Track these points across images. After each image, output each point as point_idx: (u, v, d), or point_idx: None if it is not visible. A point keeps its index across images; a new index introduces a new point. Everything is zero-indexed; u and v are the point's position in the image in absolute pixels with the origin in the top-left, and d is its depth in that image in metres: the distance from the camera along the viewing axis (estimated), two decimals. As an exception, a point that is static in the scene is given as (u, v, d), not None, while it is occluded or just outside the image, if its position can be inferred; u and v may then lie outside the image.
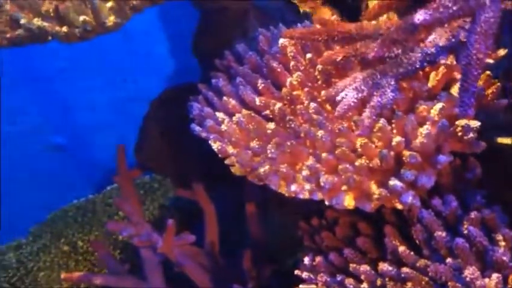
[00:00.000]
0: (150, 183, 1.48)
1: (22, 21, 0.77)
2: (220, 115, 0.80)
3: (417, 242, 0.66)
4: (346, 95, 0.62)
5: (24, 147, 1.56)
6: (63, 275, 0.98)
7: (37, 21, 0.77)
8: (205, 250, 1.00)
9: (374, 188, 0.66)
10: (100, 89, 1.56)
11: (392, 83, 0.60)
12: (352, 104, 0.61)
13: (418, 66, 0.60)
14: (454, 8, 0.51)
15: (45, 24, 0.77)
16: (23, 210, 1.49)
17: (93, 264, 1.22)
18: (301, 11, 0.93)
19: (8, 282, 1.21)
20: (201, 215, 1.10)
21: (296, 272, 0.76)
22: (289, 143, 0.71)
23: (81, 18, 0.77)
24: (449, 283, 0.62)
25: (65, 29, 0.78)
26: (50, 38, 0.79)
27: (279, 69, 0.79)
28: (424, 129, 0.65)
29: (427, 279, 0.63)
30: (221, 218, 1.04)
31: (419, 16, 0.50)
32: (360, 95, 0.61)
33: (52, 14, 0.78)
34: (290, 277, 0.83)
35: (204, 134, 0.81)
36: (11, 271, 1.24)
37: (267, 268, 0.94)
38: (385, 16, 0.73)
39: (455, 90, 0.69)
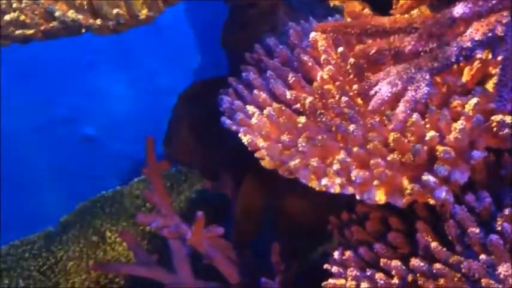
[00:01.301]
0: (177, 175, 1.49)
1: (57, 13, 0.78)
2: (250, 108, 0.80)
3: (450, 238, 0.66)
4: (380, 89, 0.61)
5: (55, 138, 1.59)
6: (91, 266, 1.00)
7: (71, 14, 0.78)
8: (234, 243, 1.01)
9: (406, 183, 0.66)
10: (130, 82, 1.58)
11: (427, 77, 0.59)
12: (386, 98, 0.60)
13: (453, 60, 0.59)
14: (494, 1, 0.50)
15: (80, 16, 0.78)
16: (52, 200, 1.52)
17: (120, 255, 1.24)
18: (331, 4, 0.93)
19: (38, 270, 1.24)
20: (227, 208, 1.10)
21: (325, 266, 0.76)
22: (320, 137, 0.70)
23: (115, 11, 0.78)
24: (482, 280, 0.61)
25: (98, 21, 0.78)
26: (83, 30, 0.80)
27: (309, 63, 0.79)
28: (458, 125, 0.64)
29: (459, 275, 0.63)
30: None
31: (459, 9, 0.50)
32: (394, 89, 0.60)
33: (86, 7, 0.79)
34: (316, 271, 0.83)
35: (234, 127, 0.81)
36: (41, 260, 1.26)
37: (295, 262, 0.94)
38: (417, 10, 0.72)
39: (490, 85, 0.68)
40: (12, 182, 1.61)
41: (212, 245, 0.95)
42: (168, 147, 1.02)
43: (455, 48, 0.58)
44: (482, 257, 0.62)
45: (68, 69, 1.54)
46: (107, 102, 1.63)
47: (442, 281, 0.63)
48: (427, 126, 0.66)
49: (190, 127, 1.02)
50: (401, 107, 0.60)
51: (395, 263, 0.67)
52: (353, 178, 0.67)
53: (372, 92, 0.62)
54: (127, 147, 1.62)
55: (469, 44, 0.58)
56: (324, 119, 0.72)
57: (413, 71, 0.60)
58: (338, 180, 0.69)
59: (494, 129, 0.64)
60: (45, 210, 1.45)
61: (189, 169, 1.51)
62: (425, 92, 0.59)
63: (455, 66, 0.68)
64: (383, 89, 0.61)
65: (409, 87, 0.60)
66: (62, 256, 1.26)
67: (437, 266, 0.63)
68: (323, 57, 0.77)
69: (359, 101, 0.73)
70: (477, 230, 0.64)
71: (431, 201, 0.65)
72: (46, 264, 1.25)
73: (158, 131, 1.10)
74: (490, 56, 0.67)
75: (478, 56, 0.66)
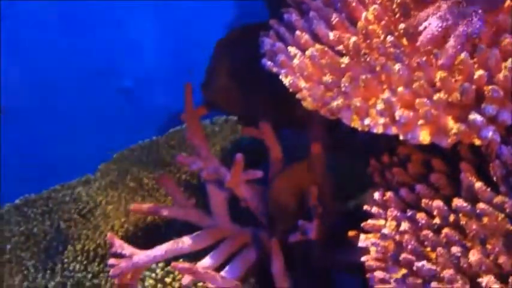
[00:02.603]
0: (211, 127, 1.50)
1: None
2: (292, 50, 0.80)
3: (494, 178, 0.65)
4: (429, 24, 0.60)
5: (94, 90, 1.61)
6: (132, 206, 1.02)
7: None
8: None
9: (452, 123, 0.65)
10: (166, 34, 1.58)
11: (480, 11, 0.58)
12: (436, 33, 0.59)
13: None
14: None
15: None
16: (91, 149, 1.55)
17: (158, 200, 1.26)
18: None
19: (79, 213, 1.27)
20: (263, 158, 1.11)
21: (365, 207, 0.76)
22: (363, 77, 0.70)
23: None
24: (526, 220, 0.61)
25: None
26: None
27: (353, 3, 0.78)
28: (508, 63, 0.62)
29: (503, 215, 0.62)
30: (286, 160, 1.04)
31: None
32: (444, 23, 0.59)
33: None
34: (353, 218, 0.83)
35: (275, 69, 0.81)
36: (81, 204, 1.30)
37: (332, 207, 0.95)
38: None
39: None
40: (53, 132, 1.64)
41: (250, 189, 0.96)
42: (207, 92, 1.03)
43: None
44: (528, 197, 0.61)
45: (104, 20, 1.54)
46: (143, 54, 1.64)
47: (485, 220, 0.62)
48: (476, 66, 0.65)
49: (229, 72, 1.02)
50: (451, 42, 0.59)
51: (438, 202, 0.67)
52: (397, 118, 0.66)
53: (421, 28, 0.61)
54: (163, 99, 1.63)
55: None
56: (368, 59, 0.71)
57: (465, 5, 0.58)
58: (381, 120, 0.68)
59: (546, 68, 0.62)
60: (85, 158, 1.48)
61: (224, 121, 1.53)
62: (477, 26, 0.58)
63: (506, 4, 0.66)
64: (433, 24, 0.59)
65: (460, 22, 0.58)
66: (101, 200, 1.29)
67: (481, 205, 0.63)
68: (368, -4, 0.75)
69: (404, 41, 0.72)
70: (523, 171, 0.63)
71: (477, 142, 0.64)
72: (86, 207, 1.28)
73: (195, 83, 1.10)
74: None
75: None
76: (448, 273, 0.64)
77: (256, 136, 1.00)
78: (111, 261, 0.93)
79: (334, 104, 0.72)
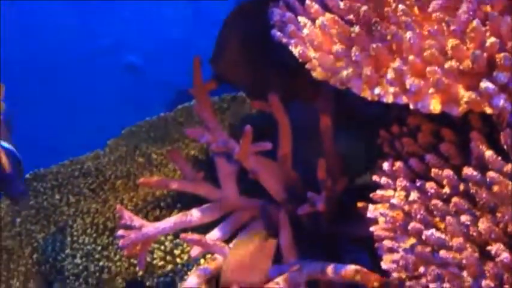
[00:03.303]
0: (219, 103, 1.50)
1: None
2: (302, 20, 0.79)
3: (505, 147, 0.64)
4: (441, -11, 0.59)
5: (102, 66, 1.61)
6: (141, 180, 1.02)
7: None
8: (278, 163, 1.01)
9: (463, 91, 0.64)
10: (174, 10, 1.57)
11: (493, -24, 0.57)
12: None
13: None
14: None
15: None
16: (99, 126, 1.56)
17: (166, 176, 1.26)
18: None
19: (88, 187, 1.28)
20: (271, 134, 1.10)
21: (374, 177, 0.76)
22: (374, 46, 0.69)
23: None
24: (537, 188, 0.60)
25: None
26: None
27: (364, -27, 0.77)
28: (521, 31, 0.62)
29: (513, 184, 0.62)
30: (294, 134, 1.04)
31: None
32: (456, -11, 0.58)
33: None
34: (362, 193, 0.83)
35: (284, 40, 0.81)
36: (90, 178, 1.30)
37: (341, 181, 0.95)
38: None
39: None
40: (62, 109, 1.65)
41: (258, 161, 0.96)
42: (216, 65, 1.02)
43: None
44: (539, 166, 0.61)
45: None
46: (152, 30, 1.64)
47: (495, 188, 0.62)
48: (488, 33, 0.64)
49: (238, 45, 1.01)
50: (463, 7, 0.58)
51: (447, 171, 0.66)
52: (408, 86, 0.66)
53: (433, -7, 0.60)
54: (171, 76, 1.63)
55: None
56: (378, 28, 0.71)
57: (478, -30, 0.57)
58: (392, 89, 0.68)
59: (560, 36, 0.62)
60: (93, 135, 1.49)
61: (232, 98, 1.52)
62: (490, -9, 0.57)
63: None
64: (445, -10, 0.59)
65: (472, -13, 0.58)
66: (110, 175, 1.29)
67: (491, 174, 0.63)
68: (379, -35, 0.74)
69: (416, 10, 0.71)
70: (534, 139, 0.62)
71: (488, 110, 0.63)
72: (95, 182, 1.29)
73: (204, 59, 1.09)
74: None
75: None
76: (457, 241, 0.64)
77: (264, 109, 0.99)
78: (120, 232, 0.94)
79: (344, 73, 0.71)
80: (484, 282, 0.61)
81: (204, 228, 1.01)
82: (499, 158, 0.64)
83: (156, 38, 1.63)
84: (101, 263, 1.10)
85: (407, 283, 0.68)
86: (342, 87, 0.73)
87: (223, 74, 1.03)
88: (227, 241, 0.98)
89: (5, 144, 0.93)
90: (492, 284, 0.61)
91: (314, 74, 0.76)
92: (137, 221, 0.95)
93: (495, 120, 0.66)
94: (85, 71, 1.63)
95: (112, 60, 1.65)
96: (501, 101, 0.62)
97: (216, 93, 1.49)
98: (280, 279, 0.84)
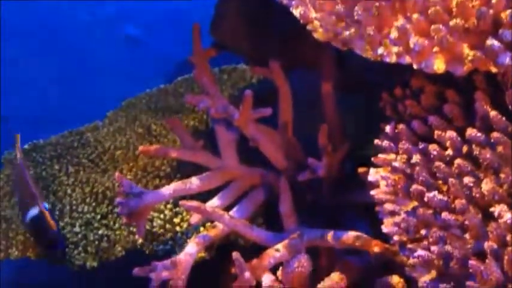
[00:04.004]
0: (219, 74, 1.49)
1: None
2: (303, -20, 0.77)
3: (510, 107, 0.63)
4: None
5: (101, 37, 1.59)
6: (140, 148, 1.01)
7: None
8: (279, 130, 1.00)
9: (467, 50, 0.63)
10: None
11: None
12: (454, -49, 0.56)
13: None
14: None
15: None
16: (99, 97, 1.55)
17: (166, 146, 1.25)
18: None
19: (87, 158, 1.27)
20: (273, 102, 1.09)
21: (376, 141, 0.75)
22: (377, 4, 0.67)
23: None
24: (542, 148, 0.59)
25: None
26: None
27: None
28: (529, -13, 0.60)
29: (518, 144, 0.61)
30: (295, 104, 1.03)
31: None
32: None
33: None
34: (364, 161, 0.82)
35: (285, 1, 0.79)
36: (89, 149, 1.29)
37: (342, 148, 0.94)
38: None
39: None
40: (61, 80, 1.64)
41: (258, 128, 0.95)
42: (216, 32, 1.01)
43: None
44: (544, 125, 0.60)
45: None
46: (149, 2, 1.61)
47: (499, 148, 0.61)
48: (494, -10, 0.62)
49: (238, 11, 0.99)
50: (470, -40, 0.56)
51: (451, 133, 0.65)
52: (411, 46, 0.64)
53: None
54: (171, 48, 1.62)
55: None
56: (382, -13, 0.69)
57: None
58: (395, 49, 0.66)
59: None
60: (92, 106, 1.48)
61: (232, 69, 1.51)
62: None
63: None
64: None
65: None
66: (109, 146, 1.28)
67: (495, 134, 0.61)
68: None
69: (420, -31, 0.69)
70: (540, 99, 0.61)
71: (493, 69, 0.62)
72: (94, 152, 1.28)
73: (203, 30, 1.08)
74: None
75: None
76: (459, 203, 0.63)
77: (265, 74, 0.98)
78: (119, 199, 0.93)
79: (347, 33, 0.70)
80: (486, 244, 0.60)
81: (204, 197, 1.00)
82: (504, 118, 0.62)
83: (156, 9, 1.61)
84: (100, 232, 1.10)
85: (408, 246, 0.67)
86: (344, 48, 0.71)
87: (223, 41, 1.01)
88: (227, 209, 0.97)
89: (46, 204, 1.03)
90: (495, 246, 0.60)
91: (316, 35, 0.74)
92: (136, 188, 0.94)
93: (500, 80, 0.65)
94: (85, 42, 1.62)
95: (112, 31, 1.63)
96: (507, 59, 0.60)
97: (216, 64, 1.48)
98: (280, 246, 0.84)
